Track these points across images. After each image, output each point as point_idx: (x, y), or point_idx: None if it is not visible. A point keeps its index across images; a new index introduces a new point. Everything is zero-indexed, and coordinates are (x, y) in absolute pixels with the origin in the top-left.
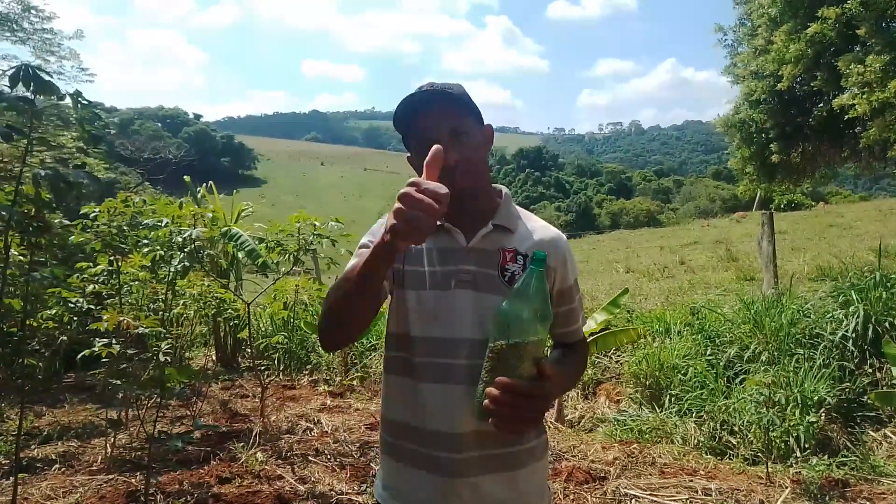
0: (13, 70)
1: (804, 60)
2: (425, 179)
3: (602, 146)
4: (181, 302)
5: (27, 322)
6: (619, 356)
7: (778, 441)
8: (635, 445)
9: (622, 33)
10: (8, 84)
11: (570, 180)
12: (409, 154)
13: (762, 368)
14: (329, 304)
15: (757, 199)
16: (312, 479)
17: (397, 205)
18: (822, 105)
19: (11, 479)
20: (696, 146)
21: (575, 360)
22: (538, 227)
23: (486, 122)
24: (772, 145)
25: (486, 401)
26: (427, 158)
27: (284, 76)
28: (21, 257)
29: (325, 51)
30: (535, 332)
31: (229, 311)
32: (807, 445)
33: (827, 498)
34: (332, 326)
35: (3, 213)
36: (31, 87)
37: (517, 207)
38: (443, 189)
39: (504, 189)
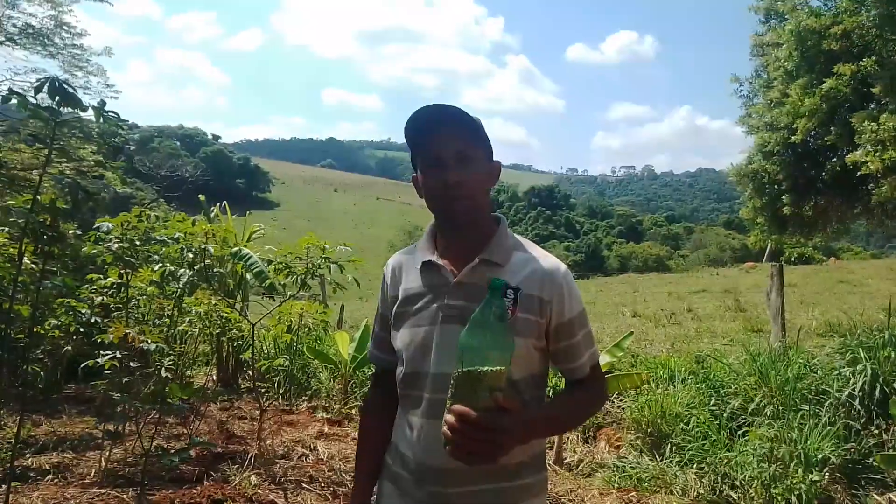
0: (40, 81)
1: (819, 115)
2: None
3: (614, 189)
4: (187, 319)
5: (34, 329)
6: (621, 401)
7: (779, 498)
8: (633, 493)
9: (639, 79)
10: (34, 94)
11: (581, 221)
12: (414, 174)
13: (766, 422)
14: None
15: (767, 250)
16: None
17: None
18: (835, 160)
19: (4, 487)
20: (708, 194)
21: (578, 398)
22: (536, 257)
23: (495, 160)
24: (784, 197)
25: (445, 427)
26: None
27: (305, 103)
28: (33, 265)
29: (346, 80)
30: (488, 362)
31: (234, 330)
32: None
33: None
34: None
35: (20, 219)
36: (56, 99)
37: (518, 237)
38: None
39: (502, 218)
